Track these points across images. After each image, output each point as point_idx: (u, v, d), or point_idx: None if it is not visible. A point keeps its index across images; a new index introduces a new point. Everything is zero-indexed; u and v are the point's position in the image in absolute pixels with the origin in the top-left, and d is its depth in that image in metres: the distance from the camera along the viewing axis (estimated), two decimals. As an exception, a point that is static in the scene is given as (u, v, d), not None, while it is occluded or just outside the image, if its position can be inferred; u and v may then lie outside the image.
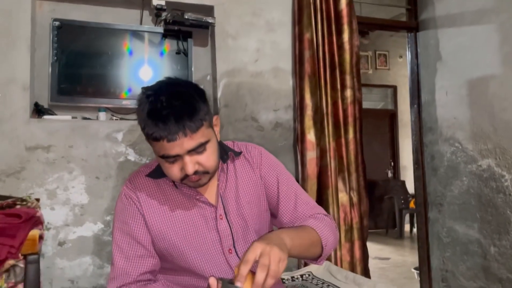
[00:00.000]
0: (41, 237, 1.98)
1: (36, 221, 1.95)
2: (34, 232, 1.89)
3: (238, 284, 0.85)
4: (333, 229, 1.16)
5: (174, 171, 1.02)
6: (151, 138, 0.99)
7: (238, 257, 1.12)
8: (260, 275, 0.84)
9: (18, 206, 1.96)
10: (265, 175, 1.20)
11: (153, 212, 1.10)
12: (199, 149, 1.00)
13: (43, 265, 2.18)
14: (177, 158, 1.00)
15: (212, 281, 0.89)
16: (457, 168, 2.80)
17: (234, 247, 1.13)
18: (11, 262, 1.79)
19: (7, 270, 1.81)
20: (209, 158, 1.03)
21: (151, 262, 1.09)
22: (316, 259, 1.13)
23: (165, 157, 1.00)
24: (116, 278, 1.07)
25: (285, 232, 1.00)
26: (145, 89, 1.04)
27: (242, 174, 1.18)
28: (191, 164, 1.00)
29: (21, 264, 1.84)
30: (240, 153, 1.21)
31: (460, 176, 2.77)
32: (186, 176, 1.02)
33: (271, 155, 1.26)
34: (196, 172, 1.01)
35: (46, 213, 2.28)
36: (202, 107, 1.01)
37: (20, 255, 1.82)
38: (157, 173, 1.12)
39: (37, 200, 2.16)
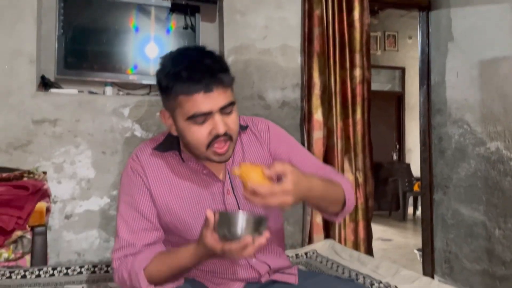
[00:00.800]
0: (48, 210, 2.00)
1: (43, 193, 1.97)
2: (41, 205, 1.91)
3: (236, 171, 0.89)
4: (352, 187, 1.17)
5: (203, 133, 1.00)
6: (185, 94, 0.97)
7: None
8: (269, 200, 0.87)
9: (25, 179, 1.98)
10: (275, 150, 1.19)
11: (159, 185, 1.10)
12: (229, 108, 1.01)
13: (50, 237, 2.20)
14: (207, 117, 0.99)
15: (209, 214, 0.90)
16: (464, 151, 2.78)
17: None
18: (18, 233, 1.81)
19: (15, 241, 1.83)
20: (235, 121, 1.04)
21: (155, 234, 1.09)
22: (336, 214, 1.13)
23: (196, 115, 0.98)
24: (120, 249, 1.08)
25: (315, 181, 1.00)
26: (168, 53, 1.05)
27: (249, 149, 1.17)
28: (222, 123, 0.99)
29: (29, 236, 1.86)
30: (246, 127, 1.20)
31: (468, 159, 2.76)
32: (215, 139, 1.00)
33: (278, 128, 1.25)
34: (225, 134, 1.01)
35: (53, 187, 2.29)
36: (229, 67, 1.04)
37: (27, 226, 1.85)
38: (164, 146, 1.11)
39: (44, 173, 2.17)
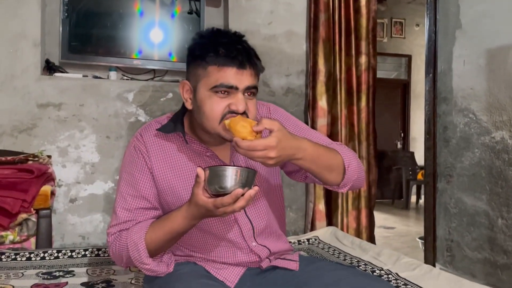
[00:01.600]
0: (52, 193, 2.02)
1: (48, 177, 1.99)
2: (46, 188, 1.93)
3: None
4: (356, 156, 1.15)
5: (220, 106, 1.00)
6: (218, 64, 0.99)
7: (246, 214, 1.12)
8: (252, 153, 0.89)
9: (30, 162, 1.99)
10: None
11: (162, 166, 1.10)
12: (253, 90, 1.03)
13: (55, 220, 2.23)
14: (230, 92, 1.00)
15: (200, 171, 0.91)
16: (469, 140, 2.76)
17: None
18: (23, 215, 1.84)
19: (20, 224, 1.85)
20: (254, 106, 1.05)
21: (152, 213, 1.10)
22: (338, 184, 1.10)
23: (222, 86, 0.99)
24: (116, 226, 1.09)
25: (306, 142, 1.00)
26: (206, 29, 1.09)
27: None
28: (243, 102, 1.00)
29: (34, 218, 1.88)
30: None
31: (472, 148, 2.74)
32: (229, 113, 1.00)
33: (280, 109, 1.24)
34: (243, 113, 1.01)
35: (57, 170, 2.31)
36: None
37: (32, 209, 1.87)
38: (168, 128, 1.11)
39: (49, 156, 2.19)
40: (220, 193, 0.90)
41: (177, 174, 1.10)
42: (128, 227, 1.07)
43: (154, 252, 1.05)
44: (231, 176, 0.90)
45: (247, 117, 1.01)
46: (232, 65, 0.99)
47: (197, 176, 0.92)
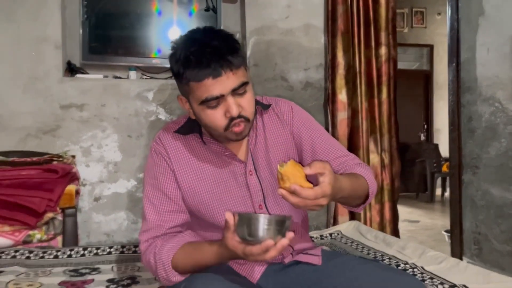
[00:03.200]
0: (77, 192, 2.06)
1: (72, 176, 2.03)
2: (71, 187, 1.97)
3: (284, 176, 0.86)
4: (374, 178, 1.15)
5: (217, 117, 1.00)
6: (195, 80, 0.97)
7: (269, 212, 1.12)
8: (301, 203, 0.85)
9: (55, 162, 2.04)
10: (297, 132, 1.17)
11: (183, 168, 1.10)
12: (241, 89, 1.00)
13: (80, 219, 2.27)
14: (219, 101, 0.98)
15: (229, 216, 0.89)
16: (495, 129, 2.68)
17: (265, 202, 1.12)
18: (50, 215, 1.88)
19: (47, 223, 1.90)
20: (250, 101, 1.02)
21: (181, 217, 1.11)
22: (358, 205, 1.12)
23: (208, 100, 0.98)
24: (148, 231, 1.10)
25: (345, 181, 0.99)
26: (178, 37, 1.03)
27: (271, 130, 1.16)
28: (235, 105, 0.98)
29: (60, 217, 1.93)
30: (268, 106, 1.18)
31: (499, 138, 2.66)
32: (230, 122, 1.00)
33: (302, 110, 1.22)
34: (239, 116, 1.00)
35: (81, 170, 2.35)
36: (239, 47, 1.01)
37: (58, 208, 1.91)
38: (186, 129, 1.11)
39: (73, 156, 2.23)
40: (249, 241, 0.85)
41: (197, 175, 1.10)
42: (159, 234, 1.08)
43: (181, 272, 1.05)
44: (261, 225, 0.84)
45: (246, 118, 1.01)
46: (207, 76, 0.96)
47: (226, 221, 0.90)
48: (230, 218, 0.89)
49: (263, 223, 0.83)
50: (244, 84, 1.00)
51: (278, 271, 1.12)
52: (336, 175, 0.93)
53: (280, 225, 0.85)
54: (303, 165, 0.92)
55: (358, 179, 1.07)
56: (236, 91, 0.99)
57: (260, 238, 0.83)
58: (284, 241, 0.86)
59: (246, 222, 0.85)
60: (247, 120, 1.02)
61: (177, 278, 1.04)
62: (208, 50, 0.96)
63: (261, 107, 1.16)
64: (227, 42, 0.99)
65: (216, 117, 1.00)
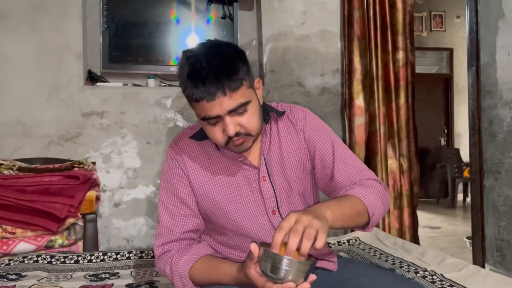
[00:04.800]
0: (98, 198, 2.09)
1: (92, 183, 2.07)
2: (91, 193, 2.01)
3: (273, 250, 0.83)
4: (382, 195, 1.10)
5: (216, 133, 1.01)
6: (192, 100, 0.99)
7: (282, 218, 1.12)
8: (292, 240, 0.81)
9: (76, 169, 2.08)
10: (309, 138, 1.17)
11: (197, 173, 1.12)
12: (240, 109, 0.99)
13: (100, 224, 2.32)
14: (218, 119, 0.99)
15: (254, 247, 0.88)
16: (517, 134, 2.63)
17: (278, 208, 1.12)
18: (71, 220, 1.92)
19: (68, 228, 1.94)
20: (250, 119, 1.02)
21: (195, 221, 1.12)
22: (363, 227, 1.09)
23: (206, 118, 0.99)
24: (161, 235, 1.12)
25: (325, 205, 0.97)
26: (186, 52, 1.04)
27: (285, 136, 1.17)
28: (232, 125, 0.99)
29: (80, 223, 1.96)
30: (283, 113, 1.18)
31: (521, 142, 2.61)
32: (229, 139, 1.01)
33: (316, 117, 1.22)
34: (237, 134, 1.00)
35: (101, 176, 2.40)
36: (242, 66, 1.00)
37: (79, 214, 1.95)
38: (201, 135, 1.13)
39: (93, 163, 2.28)
40: (271, 277, 0.85)
41: (212, 181, 1.12)
42: (173, 239, 1.10)
43: (196, 284, 1.07)
44: (283, 267, 0.83)
45: (250, 135, 1.02)
46: (202, 98, 0.96)
47: (251, 252, 0.89)
48: (255, 250, 0.88)
49: (286, 265, 0.83)
50: (243, 104, 0.99)
51: (294, 276, 1.12)
52: (302, 213, 0.89)
53: (303, 269, 0.85)
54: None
55: (350, 202, 1.04)
56: (235, 112, 0.99)
57: (282, 277, 0.83)
58: (305, 285, 0.85)
59: (270, 258, 0.84)
60: (248, 134, 1.03)
61: None
62: (205, 72, 0.96)
63: (276, 113, 1.17)
64: (227, 63, 0.98)
65: (215, 134, 1.02)
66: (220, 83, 0.95)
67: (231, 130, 0.99)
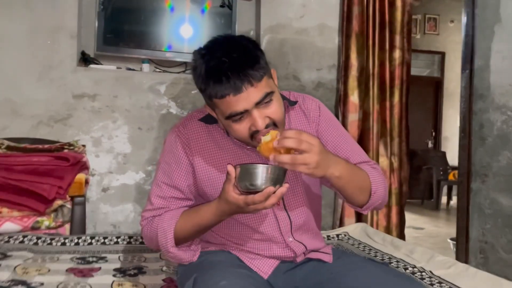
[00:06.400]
0: (87, 181, 2.06)
1: (82, 165, 2.03)
2: (81, 176, 1.98)
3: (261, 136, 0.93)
4: (384, 182, 1.13)
5: (242, 130, 0.99)
6: (217, 97, 0.96)
7: (285, 208, 1.12)
8: (282, 142, 0.89)
9: (66, 150, 2.05)
10: (322, 132, 1.15)
11: (203, 157, 1.10)
12: (266, 99, 0.97)
13: (88, 209, 2.28)
14: (244, 115, 0.97)
15: (230, 168, 0.91)
16: (507, 138, 2.66)
17: (283, 199, 1.11)
18: (59, 202, 1.89)
19: (55, 210, 1.91)
20: (277, 109, 1.00)
21: (186, 203, 1.12)
22: (361, 205, 1.10)
23: (232, 115, 0.96)
24: (150, 211, 1.11)
25: (340, 160, 1.00)
26: (198, 50, 1.01)
27: (296, 126, 1.15)
28: (260, 118, 0.96)
29: (68, 205, 1.93)
30: (295, 102, 1.17)
31: (510, 147, 2.64)
32: (255, 133, 0.98)
33: (328, 111, 1.21)
34: (266, 126, 0.98)
35: (91, 160, 2.36)
36: (261, 56, 0.99)
37: (67, 196, 1.91)
38: (210, 119, 1.11)
39: (83, 146, 2.24)
40: (251, 190, 0.90)
41: (218, 166, 1.10)
42: (161, 214, 1.09)
43: (182, 241, 1.07)
44: (262, 173, 0.89)
45: (276, 125, 1.00)
46: (228, 93, 0.94)
47: (228, 173, 0.91)
48: (232, 170, 0.91)
49: (263, 172, 0.89)
50: (269, 94, 0.97)
51: (289, 269, 1.12)
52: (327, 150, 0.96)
53: (278, 174, 0.91)
54: None
55: (360, 170, 1.08)
56: (261, 103, 0.97)
57: (261, 185, 0.89)
58: (282, 189, 0.90)
59: (248, 172, 0.90)
60: (275, 125, 1.01)
61: (173, 249, 1.05)
62: (227, 65, 0.93)
63: (288, 103, 1.15)
64: (247, 53, 0.96)
65: (241, 130, 1.00)
66: (245, 75, 0.93)
67: (260, 123, 0.96)
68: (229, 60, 0.94)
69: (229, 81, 0.93)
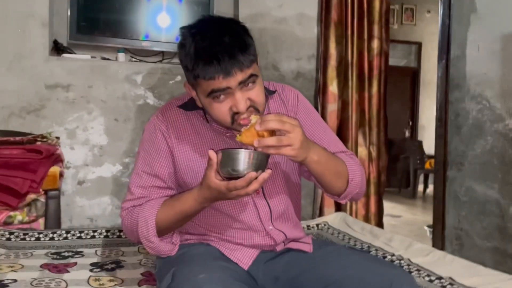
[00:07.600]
0: (61, 175, 2.00)
1: (56, 158, 1.97)
2: (55, 169, 1.92)
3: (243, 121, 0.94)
4: (362, 171, 1.14)
5: (222, 110, 0.98)
6: (204, 78, 0.95)
7: (265, 197, 1.11)
8: (264, 124, 0.89)
9: (38, 143, 1.98)
10: (301, 120, 1.14)
11: (182, 144, 1.09)
12: (250, 80, 0.97)
13: (63, 202, 2.22)
14: (227, 94, 0.96)
15: (212, 154, 0.90)
16: (482, 127, 2.72)
17: (262, 187, 1.10)
18: (32, 196, 1.83)
19: (29, 204, 1.85)
20: (259, 93, 0.99)
21: (167, 192, 1.10)
22: (339, 194, 1.11)
23: (214, 91, 0.95)
24: (130, 201, 1.10)
25: (318, 147, 1.01)
26: (188, 28, 0.99)
27: None
28: (242, 100, 0.96)
29: (42, 199, 1.88)
30: (274, 92, 1.16)
31: (485, 135, 2.70)
32: (236, 114, 0.98)
33: (306, 100, 1.22)
34: (250, 107, 0.98)
35: (66, 152, 2.30)
36: (252, 43, 0.99)
37: (41, 190, 1.86)
38: (189, 105, 1.10)
39: (57, 138, 2.17)
40: (233, 176, 0.89)
41: (197, 154, 1.09)
42: (142, 203, 1.07)
43: (164, 231, 1.05)
44: (244, 159, 0.88)
45: (257, 110, 1.00)
46: (217, 75, 0.93)
47: (209, 158, 0.90)
48: (213, 156, 0.90)
49: (245, 158, 0.89)
50: (253, 75, 0.97)
51: (269, 259, 1.12)
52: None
53: (261, 159, 0.90)
54: None
55: (337, 158, 1.09)
56: (244, 83, 0.96)
57: (243, 171, 0.88)
58: (264, 174, 0.90)
59: (230, 157, 0.89)
60: (257, 110, 1.00)
61: (155, 238, 1.04)
62: (219, 48, 0.93)
63: (267, 92, 1.14)
64: (239, 38, 0.96)
65: (221, 111, 0.98)
66: (236, 60, 0.93)
67: (242, 105, 0.96)
68: (220, 44, 0.94)
69: (219, 64, 0.93)
